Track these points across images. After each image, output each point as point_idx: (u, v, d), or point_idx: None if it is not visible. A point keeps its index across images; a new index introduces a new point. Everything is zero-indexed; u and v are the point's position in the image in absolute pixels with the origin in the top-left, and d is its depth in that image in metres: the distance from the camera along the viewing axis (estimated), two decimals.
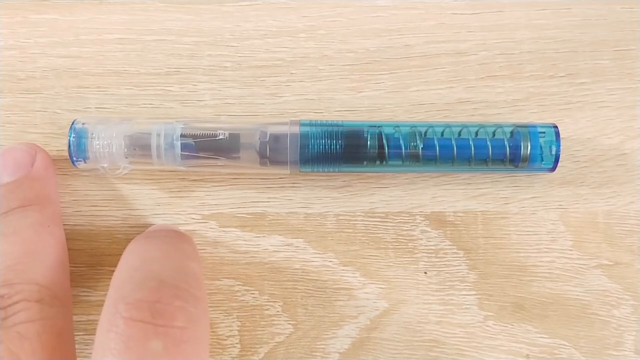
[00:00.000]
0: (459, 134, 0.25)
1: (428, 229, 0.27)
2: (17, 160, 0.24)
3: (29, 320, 0.20)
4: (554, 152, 0.25)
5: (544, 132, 0.25)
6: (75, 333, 0.26)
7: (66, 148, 0.25)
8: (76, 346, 0.26)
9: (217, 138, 0.25)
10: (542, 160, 0.25)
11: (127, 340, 0.19)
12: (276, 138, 0.25)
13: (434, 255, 0.27)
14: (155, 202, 0.27)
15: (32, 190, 0.24)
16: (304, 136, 0.25)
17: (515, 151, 0.25)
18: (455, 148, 0.25)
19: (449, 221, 0.27)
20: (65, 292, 0.22)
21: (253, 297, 0.26)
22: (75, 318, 0.26)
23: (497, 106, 0.28)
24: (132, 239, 0.26)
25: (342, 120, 0.26)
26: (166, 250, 0.23)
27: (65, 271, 0.23)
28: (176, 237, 0.24)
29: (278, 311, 0.26)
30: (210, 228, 0.27)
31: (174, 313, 0.19)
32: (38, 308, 0.20)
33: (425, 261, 0.27)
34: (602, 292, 0.27)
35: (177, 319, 0.19)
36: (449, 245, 0.27)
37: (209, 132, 0.25)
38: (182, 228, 0.27)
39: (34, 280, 0.21)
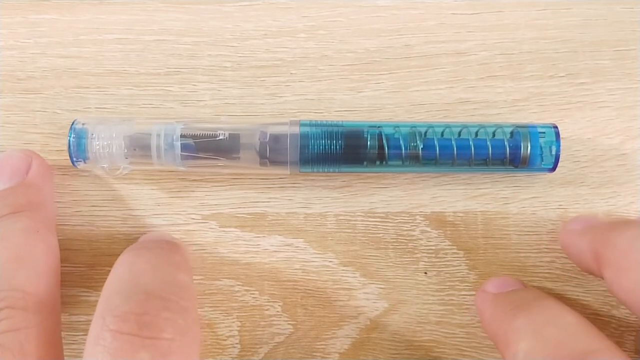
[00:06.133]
0: (459, 134, 0.25)
1: (428, 229, 0.27)
2: (13, 167, 0.24)
3: (12, 329, 0.20)
4: (554, 153, 0.25)
5: (544, 132, 0.25)
6: (75, 333, 0.26)
7: (66, 148, 0.25)
8: (75, 346, 0.26)
9: (217, 138, 0.25)
10: (542, 161, 0.25)
11: (114, 352, 0.19)
12: (276, 138, 0.25)
13: (434, 255, 0.27)
14: (155, 202, 0.27)
15: (25, 196, 0.24)
16: (304, 136, 0.25)
17: (515, 151, 0.25)
18: (455, 148, 0.25)
19: (449, 221, 0.27)
20: (53, 299, 0.22)
21: (253, 297, 0.26)
22: (74, 318, 0.26)
23: (497, 106, 0.28)
24: (132, 239, 0.26)
25: (342, 121, 0.26)
26: (155, 262, 0.23)
27: (55, 278, 0.23)
28: (167, 248, 0.24)
29: (278, 311, 0.26)
30: (210, 228, 0.27)
31: (161, 325, 0.19)
32: (22, 316, 0.20)
33: (425, 261, 0.27)
34: (602, 292, 0.27)
35: (165, 330, 0.19)
36: (449, 245, 0.27)
37: (208, 132, 0.25)
38: (182, 228, 0.27)
39: (20, 286, 0.21)
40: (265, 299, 0.26)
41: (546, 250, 0.27)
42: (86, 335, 0.26)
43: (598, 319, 0.27)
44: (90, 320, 0.26)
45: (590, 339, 0.21)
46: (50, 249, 0.23)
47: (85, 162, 0.25)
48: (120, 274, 0.22)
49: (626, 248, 0.22)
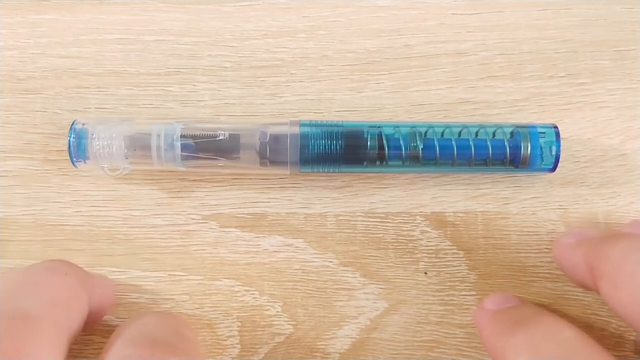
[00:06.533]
0: (459, 134, 0.25)
1: (428, 229, 0.27)
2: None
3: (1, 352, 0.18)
4: (554, 153, 0.25)
5: (544, 133, 0.25)
6: None
7: (66, 148, 0.25)
8: (75, 346, 0.26)
9: (217, 138, 0.25)
10: (542, 161, 0.25)
11: None
12: (276, 138, 0.25)
13: (434, 255, 0.27)
14: (155, 202, 0.27)
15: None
16: (304, 136, 0.25)
17: (516, 151, 0.25)
18: (455, 148, 0.25)
19: (449, 221, 0.27)
20: (60, 330, 0.20)
21: (253, 298, 0.26)
22: None
23: (497, 106, 0.28)
24: (132, 239, 0.26)
25: (342, 121, 0.26)
26: (162, 317, 0.23)
27: (69, 315, 0.21)
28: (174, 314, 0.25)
29: (278, 311, 0.26)
30: (210, 228, 0.27)
31: None
32: (18, 340, 0.19)
33: (425, 261, 0.27)
34: None
35: None
36: (449, 245, 0.27)
37: (209, 132, 0.25)
38: (182, 228, 0.27)
39: (24, 308, 0.20)
40: (265, 299, 0.26)
41: (546, 250, 0.27)
42: (86, 334, 0.26)
43: (598, 319, 0.27)
44: None
45: (589, 354, 0.21)
46: (75, 294, 0.22)
47: (85, 162, 0.25)
48: (126, 327, 0.22)
49: (621, 260, 0.21)
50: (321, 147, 0.25)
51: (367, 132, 0.25)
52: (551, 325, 0.22)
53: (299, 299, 0.27)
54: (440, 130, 0.25)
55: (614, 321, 0.27)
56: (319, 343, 0.26)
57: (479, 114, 0.27)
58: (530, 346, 0.21)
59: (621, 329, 0.27)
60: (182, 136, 0.24)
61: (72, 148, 0.25)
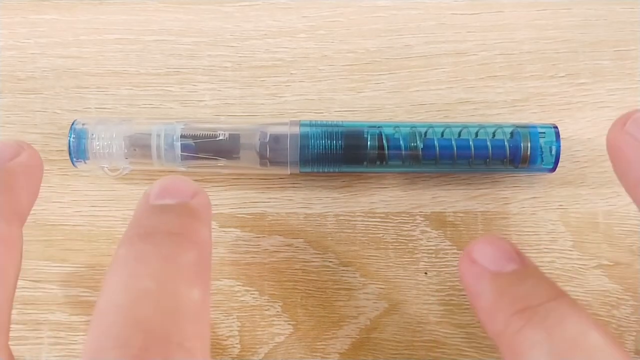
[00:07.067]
0: (459, 134, 0.25)
1: (428, 229, 0.27)
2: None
3: None
4: (554, 153, 0.25)
5: (544, 133, 0.25)
6: (75, 333, 0.26)
7: (66, 148, 0.25)
8: (74, 346, 0.26)
9: (217, 139, 0.25)
10: (542, 161, 0.25)
11: None
12: (276, 138, 0.25)
13: (434, 255, 0.27)
14: None
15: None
16: (304, 136, 0.25)
17: (515, 151, 0.25)
18: (455, 148, 0.25)
19: (449, 221, 0.27)
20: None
21: (253, 298, 0.26)
22: (75, 318, 0.26)
23: (497, 106, 0.28)
24: None
25: (342, 121, 0.26)
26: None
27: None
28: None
29: (278, 311, 0.26)
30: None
31: None
32: None
33: (425, 261, 0.27)
34: (602, 293, 0.27)
35: None
36: (449, 245, 0.27)
37: (209, 132, 0.25)
38: None
39: None
40: (265, 299, 0.26)
41: (546, 250, 0.27)
42: (86, 335, 0.26)
43: (598, 319, 0.27)
44: (90, 321, 0.26)
45: None
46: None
47: (85, 162, 0.25)
48: (117, 294, 0.17)
49: None
50: (321, 147, 0.25)
51: (367, 132, 0.25)
52: (575, 327, 0.18)
53: (299, 299, 0.27)
54: (440, 130, 0.25)
55: (613, 321, 0.27)
56: (319, 343, 0.26)
57: (479, 114, 0.27)
58: (550, 352, 0.17)
59: (621, 328, 0.27)
60: (182, 136, 0.24)
61: (72, 148, 0.25)
